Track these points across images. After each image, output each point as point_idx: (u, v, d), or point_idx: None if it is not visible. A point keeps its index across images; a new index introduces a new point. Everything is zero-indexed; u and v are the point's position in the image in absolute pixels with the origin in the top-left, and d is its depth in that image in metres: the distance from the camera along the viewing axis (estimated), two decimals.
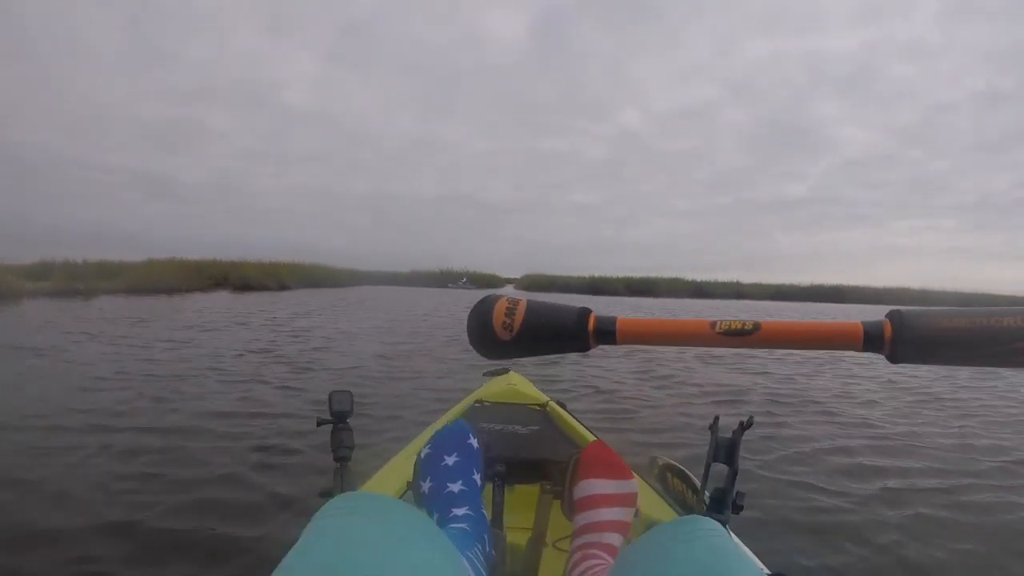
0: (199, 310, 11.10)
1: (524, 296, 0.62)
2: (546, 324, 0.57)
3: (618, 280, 48.06)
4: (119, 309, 10.87)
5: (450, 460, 0.69)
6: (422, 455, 0.71)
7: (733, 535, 0.64)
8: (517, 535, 0.85)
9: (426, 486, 0.67)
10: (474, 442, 0.73)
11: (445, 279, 44.82)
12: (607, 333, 0.55)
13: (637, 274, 50.46)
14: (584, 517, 0.72)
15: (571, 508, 0.76)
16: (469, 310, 0.59)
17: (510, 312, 0.57)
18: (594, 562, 0.65)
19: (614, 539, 0.70)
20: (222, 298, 15.69)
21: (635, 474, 0.80)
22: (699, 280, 51.95)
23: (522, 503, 0.94)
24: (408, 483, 0.80)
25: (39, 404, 3.23)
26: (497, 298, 0.59)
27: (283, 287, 22.74)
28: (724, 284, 51.90)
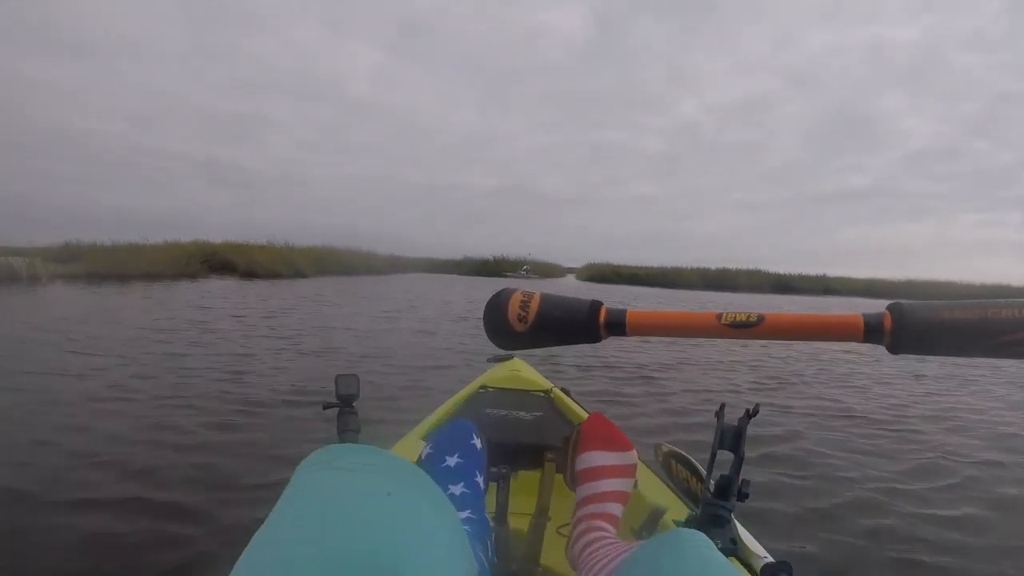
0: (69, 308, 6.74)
1: (538, 290, 0.61)
2: (559, 316, 0.57)
3: (692, 272, 42.00)
4: None
5: (451, 461, 0.65)
6: (423, 455, 0.68)
7: (737, 523, 0.66)
8: (521, 521, 0.82)
9: None
10: (477, 442, 0.69)
11: (500, 268, 39.38)
12: (617, 325, 0.56)
13: (708, 265, 44.05)
14: (586, 488, 0.72)
15: (573, 479, 0.75)
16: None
17: (524, 305, 0.58)
18: (598, 533, 0.65)
19: (615, 508, 0.70)
20: (186, 289, 11.55)
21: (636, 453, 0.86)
22: (781, 273, 45.19)
23: (525, 489, 0.91)
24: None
25: None
26: (512, 291, 0.60)
27: (299, 274, 18.63)
28: (810, 279, 45.04)
